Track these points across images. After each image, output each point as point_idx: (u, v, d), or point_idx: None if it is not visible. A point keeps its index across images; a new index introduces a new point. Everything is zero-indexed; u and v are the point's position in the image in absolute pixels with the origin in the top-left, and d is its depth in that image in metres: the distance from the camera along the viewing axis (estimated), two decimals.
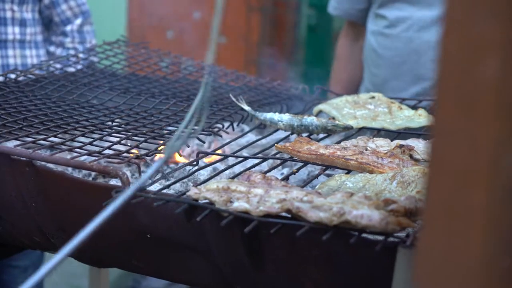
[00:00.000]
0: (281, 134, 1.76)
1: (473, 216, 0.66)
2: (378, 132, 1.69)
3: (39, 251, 2.48)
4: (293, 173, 1.45)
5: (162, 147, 1.51)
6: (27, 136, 1.53)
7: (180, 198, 1.25)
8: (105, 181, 1.60)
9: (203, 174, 1.63)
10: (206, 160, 1.78)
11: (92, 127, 1.63)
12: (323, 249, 1.18)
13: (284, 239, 1.20)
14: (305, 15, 5.62)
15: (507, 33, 0.63)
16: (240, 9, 5.44)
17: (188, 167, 1.61)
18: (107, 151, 1.45)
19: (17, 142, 1.48)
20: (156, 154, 1.51)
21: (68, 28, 2.60)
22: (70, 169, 1.68)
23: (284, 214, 1.16)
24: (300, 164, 1.49)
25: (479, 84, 0.64)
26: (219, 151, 1.60)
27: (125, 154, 1.43)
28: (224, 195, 1.21)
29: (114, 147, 1.49)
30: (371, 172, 1.36)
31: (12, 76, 2.03)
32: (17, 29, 2.45)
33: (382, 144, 1.50)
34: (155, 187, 1.41)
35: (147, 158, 1.56)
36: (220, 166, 1.69)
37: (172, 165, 1.85)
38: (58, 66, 2.18)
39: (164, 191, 1.32)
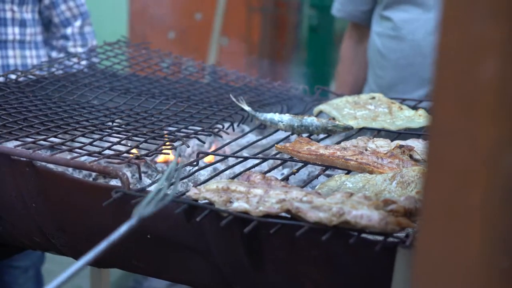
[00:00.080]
0: (281, 134, 1.76)
1: (471, 216, 0.65)
2: (378, 133, 1.69)
3: (39, 252, 2.48)
4: (293, 173, 1.45)
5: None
6: (27, 136, 1.53)
7: (180, 198, 1.25)
8: (106, 182, 1.60)
9: (203, 174, 1.63)
10: (207, 160, 1.78)
11: (93, 127, 1.63)
12: (322, 249, 1.18)
13: (283, 239, 1.20)
14: (306, 15, 5.62)
15: (506, 33, 0.63)
16: (241, 10, 5.44)
17: (188, 167, 1.62)
18: (107, 152, 1.45)
19: (18, 143, 1.48)
20: (156, 154, 1.50)
21: (69, 31, 2.60)
22: (70, 169, 1.68)
23: (283, 214, 1.16)
24: (300, 164, 1.49)
25: (478, 84, 0.64)
26: (219, 152, 1.60)
27: (125, 155, 1.43)
28: (223, 195, 1.21)
29: (114, 147, 1.49)
30: (371, 172, 1.36)
31: (13, 76, 2.03)
32: (17, 30, 2.45)
33: (382, 145, 1.50)
34: (155, 188, 1.40)
35: (147, 158, 1.56)
36: (220, 166, 1.69)
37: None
38: (60, 68, 2.18)
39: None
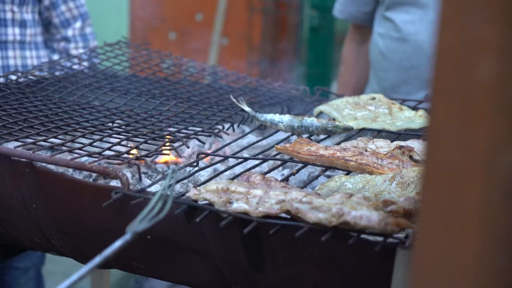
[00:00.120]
0: (281, 135, 1.76)
1: (469, 216, 0.65)
2: (379, 133, 1.69)
3: (40, 252, 2.48)
4: (293, 174, 1.45)
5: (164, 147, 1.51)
6: (27, 137, 1.53)
7: (180, 199, 1.25)
8: (106, 182, 1.60)
9: (204, 175, 1.63)
10: (207, 161, 1.78)
11: (93, 128, 1.63)
12: (322, 250, 1.18)
13: (283, 240, 1.20)
14: (307, 16, 5.62)
15: (504, 33, 0.63)
16: (242, 10, 5.44)
17: (188, 168, 1.62)
18: (107, 152, 1.45)
19: (18, 143, 1.48)
20: (156, 155, 1.50)
21: (70, 32, 2.60)
22: (71, 170, 1.68)
23: (283, 215, 1.16)
24: (300, 165, 1.49)
25: (476, 85, 0.64)
26: (219, 152, 1.60)
27: (125, 155, 1.44)
28: (223, 196, 1.21)
29: (114, 148, 1.49)
30: (370, 173, 1.36)
31: (13, 77, 2.03)
32: (17, 30, 2.45)
33: (382, 145, 1.50)
34: (155, 188, 1.41)
35: (147, 159, 1.56)
36: (221, 167, 1.69)
37: (172, 167, 1.85)
38: (61, 69, 2.18)
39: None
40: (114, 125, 1.69)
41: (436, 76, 0.65)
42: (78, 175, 1.69)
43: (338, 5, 2.61)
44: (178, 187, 1.54)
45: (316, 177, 1.44)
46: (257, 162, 1.51)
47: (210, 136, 1.66)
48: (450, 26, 0.64)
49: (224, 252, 1.31)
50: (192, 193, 1.24)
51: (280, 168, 1.68)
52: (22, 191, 1.49)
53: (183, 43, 5.49)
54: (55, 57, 2.61)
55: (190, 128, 1.69)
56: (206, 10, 5.45)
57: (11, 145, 1.51)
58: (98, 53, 2.34)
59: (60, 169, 1.58)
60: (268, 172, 1.46)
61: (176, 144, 1.54)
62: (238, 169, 1.57)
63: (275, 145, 1.54)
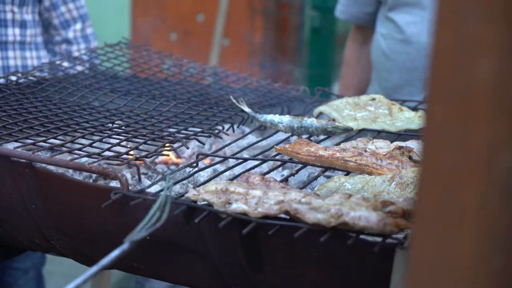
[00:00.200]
0: (281, 135, 1.76)
1: (467, 216, 0.65)
2: (378, 134, 1.69)
3: (40, 253, 2.48)
4: (292, 174, 1.45)
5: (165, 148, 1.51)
6: (27, 138, 1.53)
7: (179, 199, 1.25)
8: (106, 183, 1.61)
9: (203, 175, 1.63)
10: (207, 161, 1.78)
11: (93, 129, 1.63)
12: (321, 251, 1.18)
13: (282, 241, 1.20)
14: (309, 17, 5.62)
15: (502, 32, 0.62)
16: (243, 11, 5.44)
17: (188, 169, 1.62)
18: (106, 153, 1.45)
19: (17, 144, 1.48)
20: (156, 155, 1.50)
21: (71, 34, 2.60)
22: (71, 171, 1.68)
23: (282, 215, 1.16)
24: (299, 165, 1.49)
25: (474, 84, 0.64)
26: (219, 153, 1.60)
27: (124, 156, 1.44)
28: (222, 196, 1.21)
29: (114, 148, 1.49)
30: (370, 173, 1.36)
31: (13, 78, 2.03)
32: (17, 31, 2.45)
33: (382, 146, 1.50)
34: (154, 189, 1.41)
35: (147, 160, 1.56)
36: (220, 167, 1.69)
37: (173, 167, 1.85)
38: (61, 70, 2.19)
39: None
40: (114, 126, 1.69)
41: (432, 76, 0.65)
42: (78, 176, 1.69)
43: (340, 6, 2.60)
44: (177, 188, 1.54)
45: (316, 178, 1.44)
46: (256, 162, 1.51)
47: (210, 136, 1.66)
48: (447, 25, 0.64)
49: (223, 252, 1.31)
50: (191, 193, 1.25)
51: (280, 168, 1.68)
52: (21, 191, 1.49)
53: (184, 43, 5.49)
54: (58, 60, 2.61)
55: (190, 128, 1.70)
56: (207, 11, 5.44)
57: (10, 146, 1.51)
58: (99, 54, 2.34)
59: (60, 170, 1.58)
60: (268, 172, 1.46)
61: (175, 145, 1.54)
62: (238, 170, 1.57)
63: (275, 146, 1.54)
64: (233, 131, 1.76)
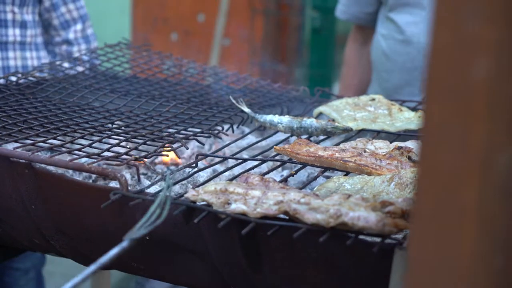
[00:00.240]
0: (281, 136, 1.76)
1: (466, 216, 0.65)
2: (378, 134, 1.69)
3: (40, 253, 2.48)
4: (292, 175, 1.45)
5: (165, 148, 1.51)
6: (26, 138, 1.53)
7: (178, 200, 1.25)
8: (105, 183, 1.61)
9: (203, 176, 1.63)
10: (206, 161, 1.78)
11: (92, 129, 1.63)
12: (320, 251, 1.18)
13: (281, 241, 1.20)
14: (309, 17, 5.62)
15: (499, 32, 0.62)
16: (244, 12, 5.44)
17: (187, 169, 1.62)
18: (106, 153, 1.45)
19: (17, 144, 1.49)
20: (155, 156, 1.50)
21: (71, 35, 2.60)
22: (70, 171, 1.69)
23: (281, 216, 1.16)
24: (299, 166, 1.49)
25: (471, 85, 0.64)
26: (218, 153, 1.60)
27: (124, 156, 1.44)
28: (221, 197, 1.21)
29: (114, 149, 1.49)
30: (369, 174, 1.36)
31: (13, 78, 2.03)
32: (17, 31, 2.45)
33: (381, 146, 1.50)
34: (153, 189, 1.41)
35: (146, 160, 1.56)
36: (220, 168, 1.69)
37: (172, 167, 1.85)
38: (61, 70, 2.19)
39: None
40: (114, 126, 1.69)
41: (431, 75, 0.65)
42: (78, 176, 1.69)
43: (341, 6, 2.59)
44: (177, 188, 1.54)
45: (315, 178, 1.44)
46: (256, 163, 1.51)
47: (209, 137, 1.66)
48: (445, 25, 0.64)
49: (222, 253, 1.31)
50: (191, 194, 1.25)
51: (280, 169, 1.68)
52: (21, 192, 1.49)
53: (185, 44, 5.49)
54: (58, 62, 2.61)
55: (190, 129, 1.70)
56: (208, 11, 5.44)
57: (10, 146, 1.51)
58: (99, 54, 2.34)
59: (60, 170, 1.58)
60: (267, 173, 1.46)
61: (175, 145, 1.54)
62: (237, 170, 1.57)
63: (274, 146, 1.54)
64: (233, 131, 1.76)
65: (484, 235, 0.66)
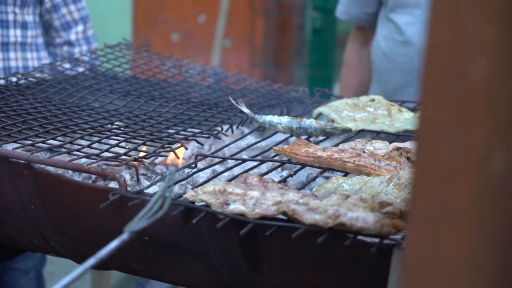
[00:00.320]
0: (280, 136, 1.76)
1: (461, 217, 0.65)
2: (377, 135, 1.69)
3: (40, 254, 2.48)
4: (291, 175, 1.45)
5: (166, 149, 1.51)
6: (26, 139, 1.53)
7: (177, 200, 1.25)
8: (105, 184, 1.61)
9: (202, 176, 1.63)
10: (206, 162, 1.78)
11: (92, 130, 1.63)
12: (319, 251, 1.18)
13: (280, 241, 1.20)
14: (310, 17, 5.62)
15: (497, 32, 0.62)
16: (244, 12, 5.44)
17: (187, 170, 1.62)
18: (105, 154, 1.46)
19: (16, 145, 1.49)
20: (155, 156, 1.50)
21: (73, 37, 2.61)
22: (70, 172, 1.69)
23: (280, 216, 1.16)
24: (298, 166, 1.49)
25: (469, 84, 0.64)
26: (218, 154, 1.60)
27: (123, 157, 1.44)
28: (220, 197, 1.21)
29: (113, 149, 1.49)
30: (368, 174, 1.36)
31: (13, 79, 2.03)
32: (18, 32, 2.46)
33: (380, 147, 1.50)
34: (153, 190, 1.41)
35: (145, 160, 1.57)
36: (219, 168, 1.69)
37: (171, 169, 1.85)
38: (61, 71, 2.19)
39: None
40: (113, 126, 1.69)
41: (427, 75, 0.65)
42: (78, 177, 1.69)
43: (341, 6, 2.59)
44: (176, 188, 1.54)
45: (314, 179, 1.44)
46: (255, 163, 1.52)
47: (209, 137, 1.66)
48: (443, 24, 0.64)
49: (221, 253, 1.32)
50: (189, 194, 1.25)
51: (279, 169, 1.68)
52: (20, 192, 1.49)
53: (185, 44, 5.49)
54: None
55: (189, 129, 1.70)
56: (208, 11, 5.45)
57: (9, 147, 1.51)
58: (99, 55, 2.34)
59: (59, 171, 1.58)
60: (267, 173, 1.46)
61: (174, 146, 1.54)
62: (236, 171, 1.57)
63: (273, 147, 1.54)
64: (232, 132, 1.76)
65: (481, 236, 0.66)
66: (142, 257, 1.47)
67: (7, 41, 2.44)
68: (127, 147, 1.54)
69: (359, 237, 1.11)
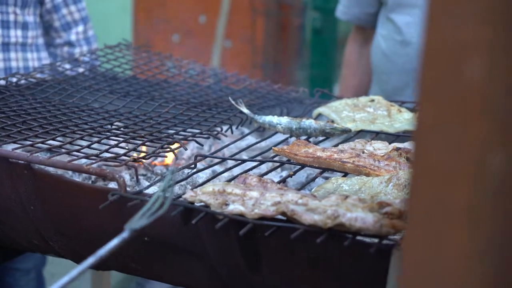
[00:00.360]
0: (280, 137, 1.76)
1: (458, 217, 0.65)
2: (377, 135, 1.69)
3: (40, 254, 2.48)
4: (290, 176, 1.45)
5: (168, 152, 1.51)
6: (25, 139, 1.53)
7: (176, 200, 1.25)
8: (105, 184, 1.61)
9: (202, 177, 1.63)
10: (205, 162, 1.78)
11: (91, 130, 1.63)
12: (318, 252, 1.18)
13: (279, 242, 1.20)
14: (310, 18, 5.62)
15: (494, 33, 0.62)
16: (245, 13, 5.44)
17: (186, 170, 1.62)
18: (105, 154, 1.46)
19: (16, 145, 1.49)
20: (154, 157, 1.51)
21: (73, 37, 2.61)
22: (70, 172, 1.69)
23: (279, 216, 1.16)
24: (297, 166, 1.49)
25: (465, 85, 0.64)
26: (217, 154, 1.60)
27: (123, 157, 1.44)
28: (219, 198, 1.21)
29: (113, 150, 1.49)
30: (367, 174, 1.36)
31: (13, 79, 2.03)
32: (19, 32, 2.46)
33: (380, 147, 1.50)
34: (152, 190, 1.41)
35: (145, 161, 1.57)
36: (219, 168, 1.69)
37: (171, 168, 1.85)
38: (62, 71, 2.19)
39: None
40: (113, 127, 1.69)
41: (424, 75, 0.65)
42: (78, 177, 1.69)
43: (341, 7, 2.59)
44: (176, 189, 1.54)
45: (313, 179, 1.44)
46: (255, 163, 1.52)
47: (208, 138, 1.66)
48: (439, 25, 0.64)
49: (221, 253, 1.32)
50: (189, 195, 1.25)
51: (279, 169, 1.68)
52: (20, 193, 1.49)
53: (186, 45, 5.50)
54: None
55: (189, 130, 1.70)
56: (209, 12, 5.45)
57: (9, 147, 1.51)
58: (99, 56, 2.34)
59: (59, 171, 1.58)
60: (266, 173, 1.46)
61: (174, 146, 1.54)
62: (236, 171, 1.57)
63: (273, 147, 1.54)
64: (232, 132, 1.76)
65: (479, 236, 0.66)
66: (142, 257, 1.47)
67: (7, 41, 2.44)
68: (127, 147, 1.54)
69: (358, 238, 1.11)
